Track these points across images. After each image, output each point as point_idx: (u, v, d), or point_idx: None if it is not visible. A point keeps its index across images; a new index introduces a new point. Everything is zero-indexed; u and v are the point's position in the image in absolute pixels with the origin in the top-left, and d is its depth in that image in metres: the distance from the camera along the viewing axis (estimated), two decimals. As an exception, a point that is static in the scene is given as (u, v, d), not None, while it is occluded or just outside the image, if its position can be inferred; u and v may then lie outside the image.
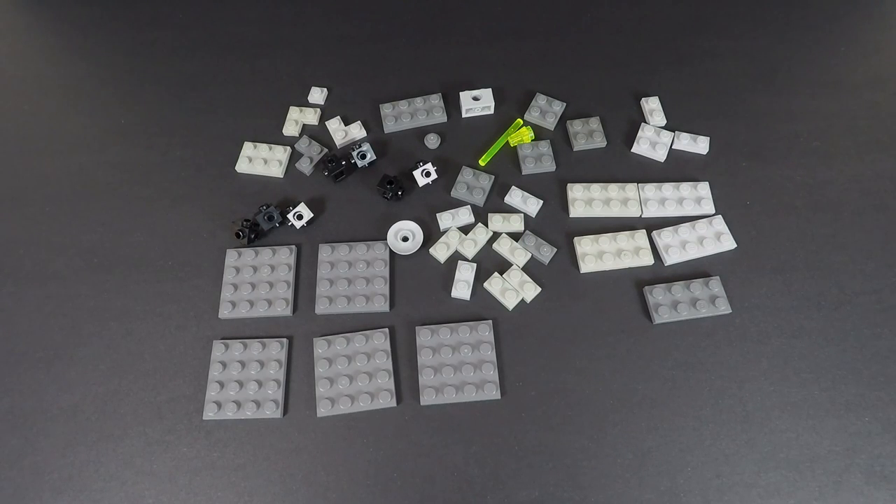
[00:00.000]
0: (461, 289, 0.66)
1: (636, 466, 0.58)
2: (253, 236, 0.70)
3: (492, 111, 0.80)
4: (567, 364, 0.63)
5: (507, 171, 0.75)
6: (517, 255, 0.68)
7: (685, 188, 0.72)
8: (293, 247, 0.70)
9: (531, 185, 0.73)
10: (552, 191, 0.73)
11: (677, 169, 0.75)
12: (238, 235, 0.69)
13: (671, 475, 0.57)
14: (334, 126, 0.78)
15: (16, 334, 0.66)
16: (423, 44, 0.87)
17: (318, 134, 0.79)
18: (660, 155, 0.75)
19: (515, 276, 0.67)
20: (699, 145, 0.76)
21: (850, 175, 0.74)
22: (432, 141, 0.77)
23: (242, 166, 0.76)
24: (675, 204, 0.71)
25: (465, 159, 0.76)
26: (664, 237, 0.69)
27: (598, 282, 0.68)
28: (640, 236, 0.69)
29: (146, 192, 0.75)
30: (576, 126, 0.77)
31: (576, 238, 0.69)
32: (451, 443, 0.59)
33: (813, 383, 0.61)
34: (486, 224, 0.71)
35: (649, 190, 0.72)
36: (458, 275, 0.67)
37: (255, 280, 0.67)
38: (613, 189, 0.72)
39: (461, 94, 0.79)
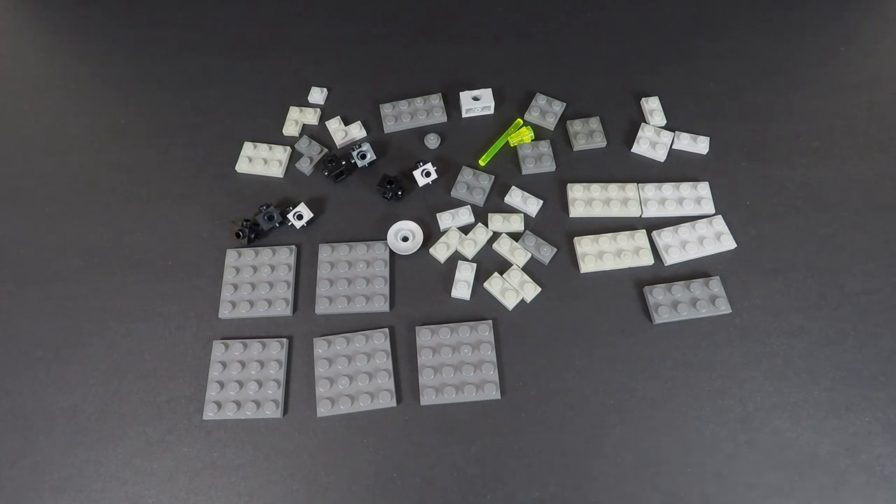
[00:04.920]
0: (461, 289, 0.66)
1: (636, 466, 0.58)
2: (253, 236, 0.70)
3: (492, 111, 0.80)
4: (567, 364, 0.63)
5: (507, 171, 0.75)
6: (517, 255, 0.68)
7: (685, 188, 0.72)
8: (293, 247, 0.70)
9: (531, 185, 0.73)
10: (552, 191, 0.73)
11: (677, 169, 0.75)
12: (238, 235, 0.69)
13: (671, 475, 0.57)
14: (334, 126, 0.78)
15: (16, 334, 0.66)
16: (423, 44, 0.87)
17: (318, 134, 0.79)
18: (660, 155, 0.75)
19: (515, 276, 0.67)
20: (699, 145, 0.76)
21: (850, 175, 0.74)
22: (432, 141, 0.77)
23: (242, 166, 0.76)
24: (675, 204, 0.71)
25: (465, 159, 0.76)
26: (664, 237, 0.69)
27: (598, 282, 0.68)
28: (640, 236, 0.69)
29: (146, 192, 0.75)
30: (576, 126, 0.77)
31: (576, 238, 0.69)
32: (451, 443, 0.59)
33: (813, 383, 0.61)
34: (486, 224, 0.71)
35: (649, 190, 0.72)
36: (458, 275, 0.67)
37: (255, 280, 0.67)
38: (613, 189, 0.72)
39: (461, 94, 0.79)
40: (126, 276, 0.69)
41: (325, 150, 0.77)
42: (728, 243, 0.69)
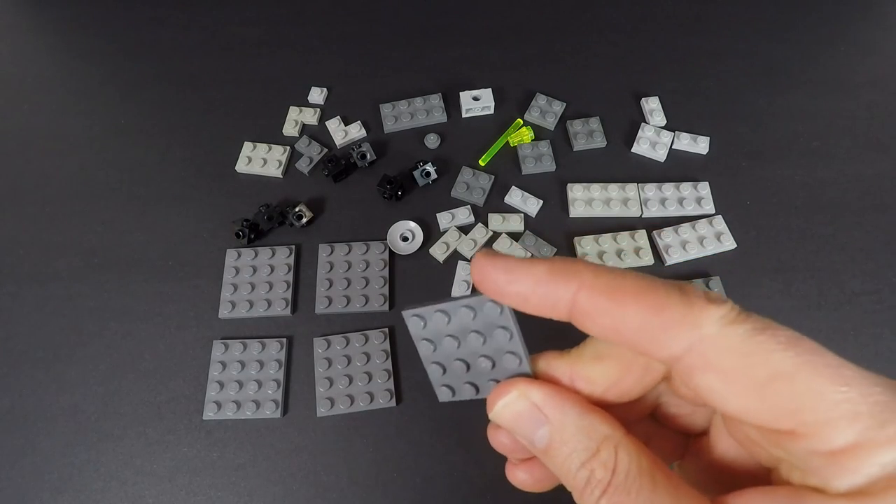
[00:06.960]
0: (461, 289, 0.66)
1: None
2: (253, 236, 0.70)
3: (492, 111, 0.80)
4: (567, 364, 0.63)
5: (507, 171, 0.75)
6: (517, 254, 0.68)
7: (685, 188, 0.72)
8: (292, 247, 0.70)
9: (531, 185, 0.73)
10: (552, 191, 0.73)
11: (677, 169, 0.75)
12: (238, 235, 0.69)
13: (671, 475, 0.57)
14: (334, 126, 0.78)
15: (16, 334, 0.66)
16: (423, 44, 0.87)
17: (317, 134, 0.79)
18: (660, 155, 0.75)
19: (515, 276, 0.67)
20: (699, 145, 0.76)
21: (850, 175, 0.74)
22: (432, 141, 0.77)
23: (242, 166, 0.76)
24: (676, 204, 0.71)
25: (465, 159, 0.76)
26: (665, 237, 0.69)
27: (598, 282, 0.67)
28: (641, 236, 0.69)
29: (146, 192, 0.75)
30: (576, 126, 0.77)
31: (576, 238, 0.69)
32: (451, 443, 0.59)
33: (813, 383, 0.61)
34: (485, 224, 0.71)
35: (649, 190, 0.72)
36: (458, 275, 0.67)
37: (254, 280, 0.67)
38: (613, 189, 0.72)
39: (461, 94, 0.79)
40: (126, 276, 0.69)
41: (325, 150, 0.77)
42: (728, 243, 0.69)
